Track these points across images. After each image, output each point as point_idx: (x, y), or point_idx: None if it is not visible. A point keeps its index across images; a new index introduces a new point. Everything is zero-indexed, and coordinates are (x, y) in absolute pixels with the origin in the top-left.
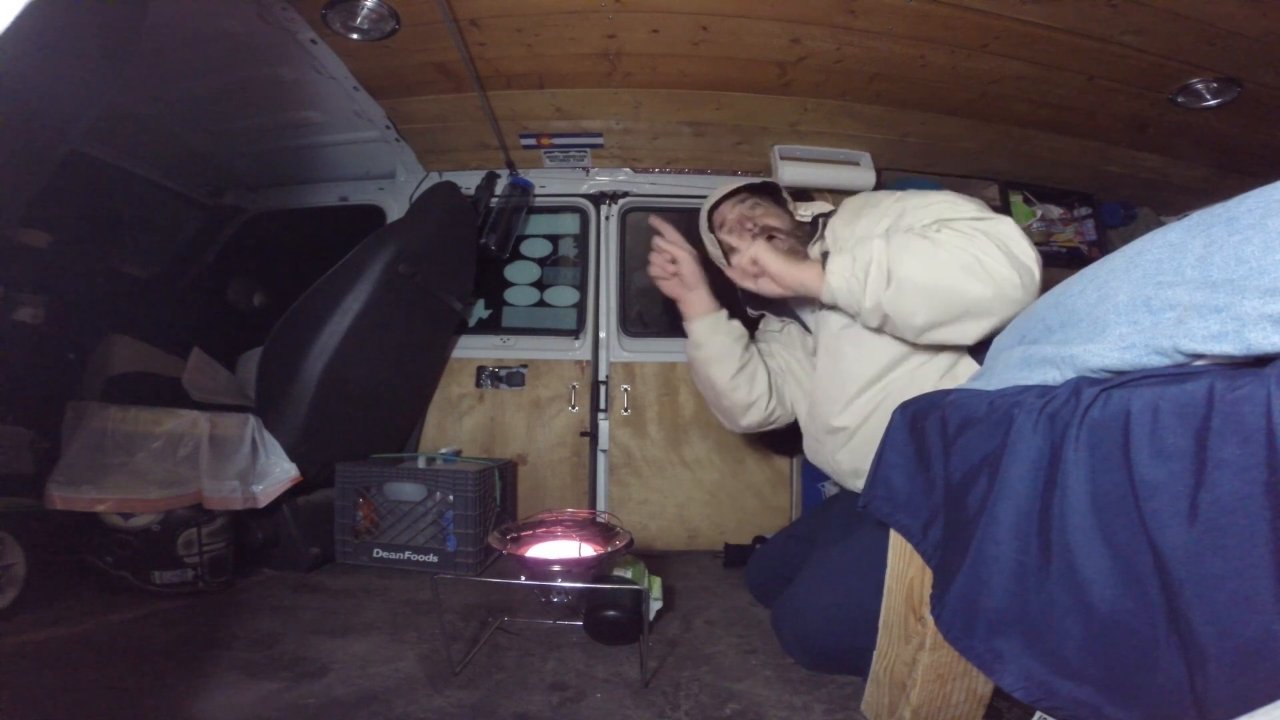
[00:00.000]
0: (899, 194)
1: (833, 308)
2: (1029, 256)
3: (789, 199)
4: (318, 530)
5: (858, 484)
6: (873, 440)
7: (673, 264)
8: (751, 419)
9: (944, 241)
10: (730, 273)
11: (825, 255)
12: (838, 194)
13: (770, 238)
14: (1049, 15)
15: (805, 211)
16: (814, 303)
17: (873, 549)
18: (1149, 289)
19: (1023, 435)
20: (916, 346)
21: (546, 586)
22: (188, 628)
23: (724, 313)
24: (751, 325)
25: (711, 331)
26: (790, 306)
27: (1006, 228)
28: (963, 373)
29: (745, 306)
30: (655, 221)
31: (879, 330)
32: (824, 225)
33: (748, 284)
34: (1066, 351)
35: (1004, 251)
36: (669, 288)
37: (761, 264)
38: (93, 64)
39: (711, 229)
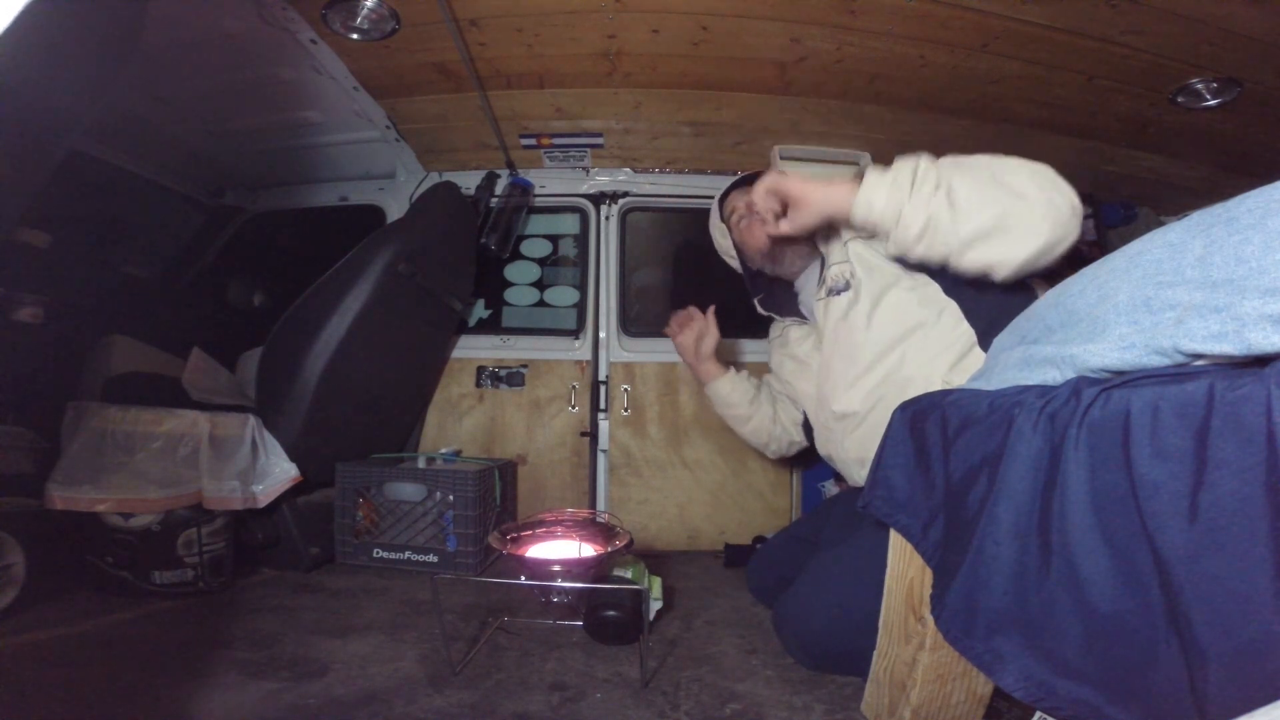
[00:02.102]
0: None
1: (844, 289)
2: (1074, 193)
3: None
4: (318, 530)
5: (864, 473)
6: (881, 426)
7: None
8: (772, 453)
9: (998, 157)
10: (747, 236)
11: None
12: None
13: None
14: (1049, 15)
15: None
16: (818, 291)
17: (874, 550)
18: (1149, 289)
19: (1023, 435)
20: (923, 326)
21: (546, 586)
22: (188, 628)
23: (731, 371)
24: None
25: (732, 388)
26: (797, 302)
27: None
28: (973, 364)
29: (757, 306)
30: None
31: (911, 260)
32: None
33: (769, 230)
34: (1066, 351)
35: (1056, 177)
36: (686, 354)
37: (782, 190)
38: (93, 64)
39: (724, 218)
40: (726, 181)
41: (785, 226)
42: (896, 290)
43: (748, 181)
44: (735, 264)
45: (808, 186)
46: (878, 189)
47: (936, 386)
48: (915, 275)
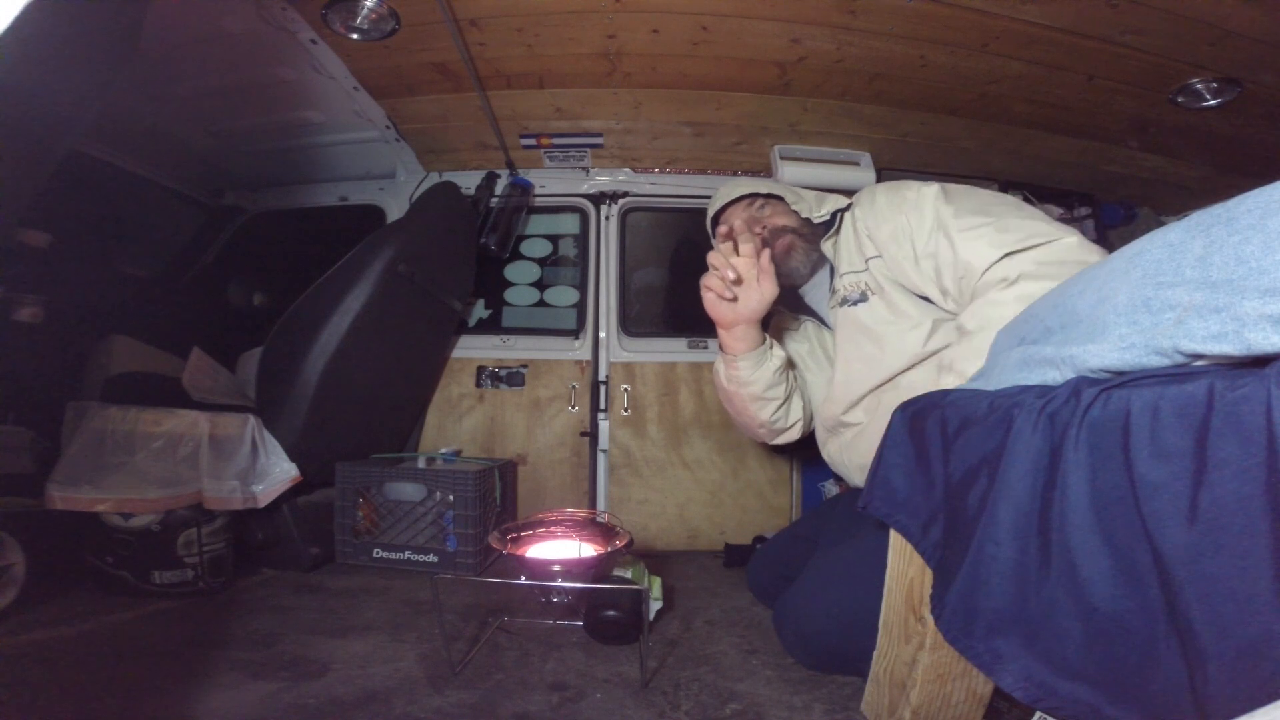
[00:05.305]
0: (935, 198)
1: (859, 299)
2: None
3: (800, 197)
4: (318, 530)
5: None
6: None
7: (737, 284)
8: (785, 440)
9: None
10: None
11: None
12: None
13: (779, 238)
14: (1049, 15)
15: (823, 210)
16: (832, 298)
17: (874, 550)
18: (1149, 289)
19: (1022, 435)
20: (947, 347)
21: (546, 586)
22: (188, 628)
23: (768, 342)
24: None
25: (756, 368)
26: (807, 302)
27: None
28: None
29: None
30: (741, 233)
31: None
32: (840, 220)
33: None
34: (1066, 352)
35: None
36: (721, 310)
37: None
38: (93, 64)
39: (715, 235)
40: (726, 181)
41: None
42: (917, 312)
43: (742, 198)
44: None
45: None
46: None
47: None
48: (933, 308)
